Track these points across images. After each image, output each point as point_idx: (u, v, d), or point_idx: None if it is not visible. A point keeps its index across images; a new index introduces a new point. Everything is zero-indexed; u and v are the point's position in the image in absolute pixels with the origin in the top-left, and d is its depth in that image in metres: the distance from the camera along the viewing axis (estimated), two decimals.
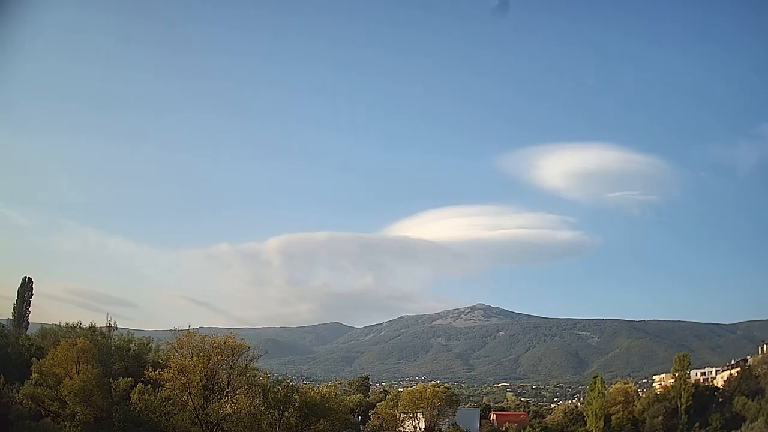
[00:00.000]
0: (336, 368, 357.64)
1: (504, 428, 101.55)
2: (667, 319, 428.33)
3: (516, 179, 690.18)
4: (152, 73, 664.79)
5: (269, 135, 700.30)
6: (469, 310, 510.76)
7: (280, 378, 79.23)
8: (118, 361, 52.08)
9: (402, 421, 73.30)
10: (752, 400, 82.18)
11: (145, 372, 44.94)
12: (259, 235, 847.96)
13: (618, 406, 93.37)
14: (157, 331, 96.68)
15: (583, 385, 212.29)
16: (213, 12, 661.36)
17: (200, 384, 43.29)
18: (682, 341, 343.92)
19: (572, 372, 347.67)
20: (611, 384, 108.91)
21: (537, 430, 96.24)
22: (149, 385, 43.41)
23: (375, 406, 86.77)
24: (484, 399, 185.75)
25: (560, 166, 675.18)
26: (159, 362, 50.78)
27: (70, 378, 42.65)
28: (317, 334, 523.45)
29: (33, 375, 44.56)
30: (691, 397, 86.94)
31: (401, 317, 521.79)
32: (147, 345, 59.33)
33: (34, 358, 46.31)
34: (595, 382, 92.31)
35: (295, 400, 50.00)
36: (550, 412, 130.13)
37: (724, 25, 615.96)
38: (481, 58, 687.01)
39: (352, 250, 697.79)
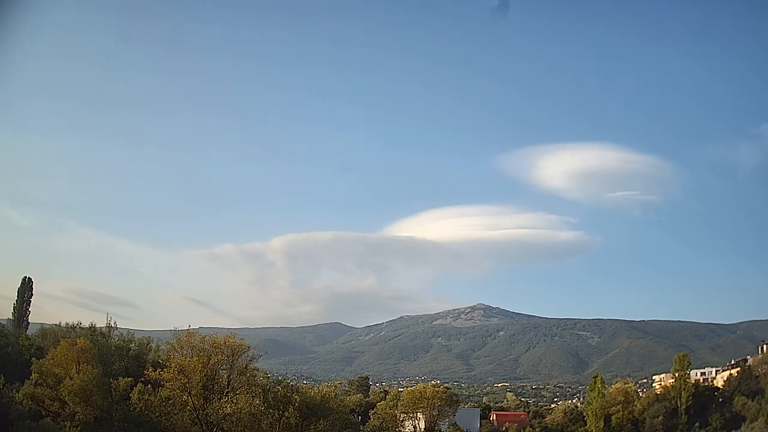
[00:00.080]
0: (336, 368, 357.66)
1: (504, 428, 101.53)
2: (667, 319, 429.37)
3: (516, 179, 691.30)
4: (152, 73, 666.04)
5: (270, 135, 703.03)
6: (469, 310, 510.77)
7: (280, 378, 79.23)
8: (118, 361, 52.07)
9: (402, 421, 73.28)
10: (752, 400, 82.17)
11: (145, 372, 44.93)
12: (262, 235, 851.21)
13: (618, 406, 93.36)
14: (157, 331, 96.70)
15: (583, 385, 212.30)
16: (213, 12, 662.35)
17: (200, 384, 43.28)
18: (682, 341, 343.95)
19: (572, 372, 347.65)
20: (611, 384, 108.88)
21: (537, 430, 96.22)
22: (149, 385, 43.39)
23: (375, 406, 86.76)
24: (484, 399, 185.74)
25: (560, 166, 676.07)
26: (159, 362, 50.77)
27: (70, 378, 42.64)
28: (317, 334, 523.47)
29: (33, 375, 44.55)
30: (691, 397, 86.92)
31: (401, 317, 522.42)
32: (147, 345, 59.33)
33: (34, 358, 46.30)
34: (595, 382, 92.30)
35: (295, 400, 49.99)
36: (550, 412, 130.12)
37: (725, 25, 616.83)
38: (481, 58, 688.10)
39: (356, 251, 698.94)
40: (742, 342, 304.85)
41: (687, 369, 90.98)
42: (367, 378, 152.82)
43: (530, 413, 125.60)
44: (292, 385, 58.46)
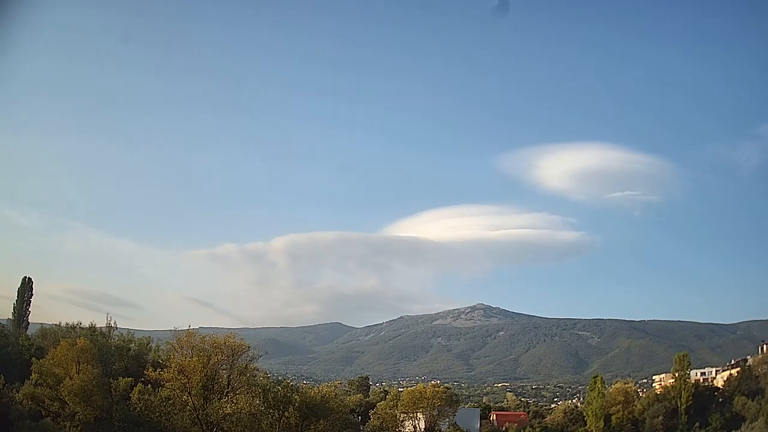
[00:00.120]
0: (336, 368, 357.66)
1: (504, 428, 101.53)
2: (667, 319, 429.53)
3: (516, 179, 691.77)
4: (153, 73, 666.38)
5: (270, 134, 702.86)
6: (469, 310, 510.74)
7: (280, 378, 79.23)
8: (118, 361, 52.07)
9: (402, 421, 73.27)
10: (752, 400, 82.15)
11: (145, 372, 44.93)
12: (264, 235, 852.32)
13: (618, 406, 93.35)
14: (157, 331, 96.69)
15: (583, 385, 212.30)
16: (213, 12, 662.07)
17: (200, 384, 43.28)
18: (682, 341, 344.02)
19: (572, 372, 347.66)
20: (611, 384, 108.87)
21: (537, 430, 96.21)
22: (149, 385, 43.39)
23: (375, 406, 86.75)
24: (484, 399, 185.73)
25: (561, 166, 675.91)
26: (159, 362, 50.77)
27: (70, 378, 42.63)
28: (317, 334, 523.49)
29: (33, 375, 44.54)
30: (691, 397, 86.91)
31: (401, 317, 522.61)
32: (147, 345, 59.33)
33: (34, 358, 46.29)
34: (595, 382, 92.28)
35: (295, 400, 49.99)
36: (550, 412, 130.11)
37: (725, 25, 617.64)
38: (481, 58, 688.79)
39: (358, 251, 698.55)
40: (742, 342, 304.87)
41: (687, 369, 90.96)
42: (367, 378, 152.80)
43: (530, 413, 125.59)
44: (292, 385, 58.45)
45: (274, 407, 48.84)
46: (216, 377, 45.19)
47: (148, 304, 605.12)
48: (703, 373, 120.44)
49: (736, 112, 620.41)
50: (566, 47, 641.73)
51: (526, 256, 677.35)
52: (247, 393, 46.19)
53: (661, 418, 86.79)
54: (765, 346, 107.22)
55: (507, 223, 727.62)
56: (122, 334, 59.87)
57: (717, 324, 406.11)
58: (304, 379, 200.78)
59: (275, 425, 48.41)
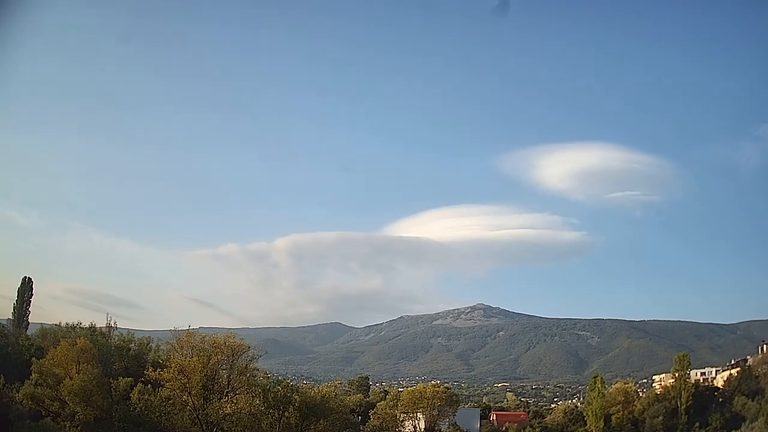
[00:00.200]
0: (336, 368, 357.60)
1: (504, 428, 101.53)
2: (667, 319, 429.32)
3: (517, 179, 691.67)
4: (153, 73, 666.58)
5: (271, 134, 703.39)
6: (469, 310, 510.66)
7: (280, 378, 79.24)
8: (118, 361, 52.09)
9: (402, 421, 73.28)
10: (752, 400, 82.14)
11: (145, 372, 44.94)
12: (266, 235, 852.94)
13: (618, 406, 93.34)
14: (158, 331, 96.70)
15: (583, 385, 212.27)
16: (214, 12, 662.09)
17: (200, 384, 43.28)
18: (682, 341, 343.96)
19: (572, 372, 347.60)
20: (611, 384, 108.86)
21: (537, 430, 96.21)
22: (149, 385, 43.40)
23: (375, 406, 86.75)
24: (484, 399, 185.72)
25: (561, 166, 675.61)
26: (159, 362, 50.77)
27: (70, 378, 42.64)
28: (317, 334, 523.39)
29: (33, 375, 44.55)
30: (691, 397, 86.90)
31: (401, 317, 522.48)
32: (147, 345, 59.34)
33: (34, 358, 46.29)
34: (595, 382, 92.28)
35: (295, 400, 50.00)
36: (550, 412, 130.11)
37: (725, 25, 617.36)
38: (481, 58, 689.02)
39: (361, 251, 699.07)
40: (742, 342, 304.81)
41: (687, 369, 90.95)
42: (367, 378, 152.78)
43: (530, 413, 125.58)
44: (292, 385, 58.46)
45: (274, 407, 48.85)
46: (216, 377, 45.19)
47: (148, 304, 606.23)
48: (703, 373, 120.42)
49: (737, 113, 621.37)
50: (566, 47, 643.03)
51: (527, 256, 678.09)
52: (247, 393, 46.19)
53: (661, 418, 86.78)
54: (765, 346, 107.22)
55: (507, 223, 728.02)
56: (122, 334, 59.91)
57: (717, 324, 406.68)
58: (304, 379, 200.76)
59: (275, 425, 48.41)
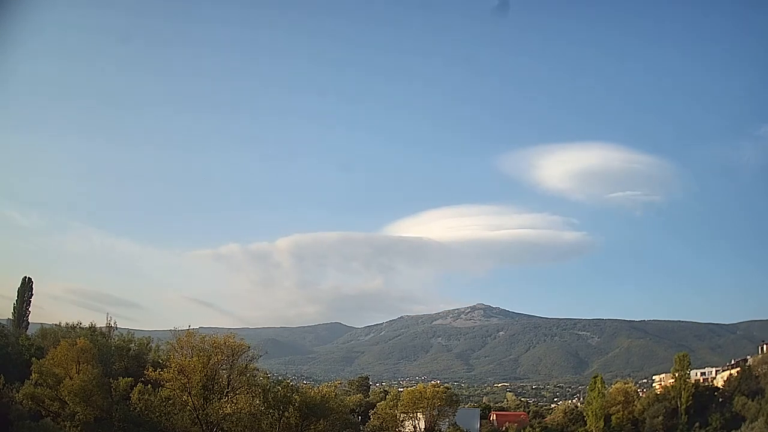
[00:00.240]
0: (336, 368, 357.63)
1: (504, 428, 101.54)
2: (667, 319, 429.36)
3: (516, 179, 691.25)
4: (153, 73, 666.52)
5: (270, 134, 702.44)
6: (469, 310, 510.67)
7: (280, 378, 79.24)
8: (118, 361, 52.08)
9: (402, 421, 73.28)
10: (752, 400, 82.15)
11: (145, 372, 44.94)
12: (268, 235, 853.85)
13: (618, 406, 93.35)
14: (158, 331, 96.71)
15: (583, 385, 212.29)
16: (214, 11, 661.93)
17: (200, 384, 43.28)
18: (682, 341, 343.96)
19: (572, 372, 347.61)
20: (611, 384, 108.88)
21: (537, 430, 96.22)
22: (149, 385, 43.40)
23: (375, 406, 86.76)
24: (484, 399, 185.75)
25: (561, 165, 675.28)
26: (159, 362, 50.77)
27: (70, 378, 42.64)
28: (317, 334, 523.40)
29: (33, 375, 44.55)
30: (691, 397, 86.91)
31: (401, 317, 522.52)
32: (147, 345, 59.35)
33: (34, 358, 46.30)
34: (595, 382, 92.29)
35: (295, 400, 50.00)
36: (550, 412, 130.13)
37: (725, 25, 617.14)
38: (481, 58, 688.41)
39: (362, 251, 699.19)
40: (742, 342, 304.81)
41: (687, 369, 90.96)
42: (367, 378, 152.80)
43: (530, 413, 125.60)
44: (292, 385, 58.47)
45: (274, 407, 48.85)
46: (216, 377, 45.19)
47: (148, 304, 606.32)
48: (703, 373, 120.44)
49: (738, 113, 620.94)
50: (566, 47, 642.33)
51: (527, 256, 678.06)
52: (247, 393, 46.19)
53: (661, 418, 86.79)
54: (765, 346, 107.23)
55: (507, 223, 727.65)
56: (122, 334, 59.92)
57: (717, 324, 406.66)
58: (304, 379, 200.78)
59: (275, 425, 48.41)
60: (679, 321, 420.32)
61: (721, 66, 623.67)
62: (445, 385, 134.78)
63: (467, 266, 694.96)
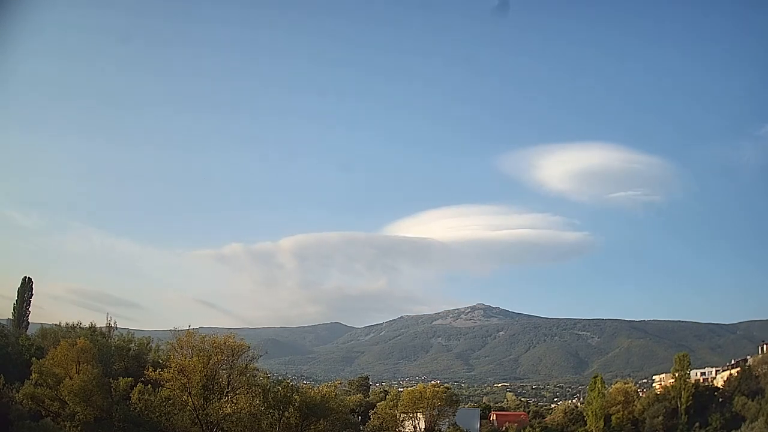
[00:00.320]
0: (336, 368, 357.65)
1: (504, 428, 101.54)
2: (667, 319, 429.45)
3: (517, 179, 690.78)
4: (153, 73, 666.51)
5: (270, 134, 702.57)
6: (469, 310, 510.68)
7: (280, 378, 79.23)
8: (118, 361, 52.08)
9: (402, 421, 73.28)
10: (752, 400, 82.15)
11: (145, 372, 44.94)
12: (271, 235, 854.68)
13: (618, 406, 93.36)
14: (158, 331, 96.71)
15: (583, 385, 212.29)
16: (213, 11, 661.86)
17: (200, 384, 43.28)
18: (682, 341, 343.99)
19: (572, 372, 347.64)
20: (611, 384, 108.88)
21: (537, 430, 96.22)
22: (149, 385, 43.40)
23: (375, 406, 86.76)
24: (484, 399, 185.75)
25: (562, 166, 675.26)
26: (159, 362, 50.77)
27: (70, 378, 42.64)
28: (317, 334, 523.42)
29: (33, 375, 44.54)
30: (691, 397, 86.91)
31: (401, 317, 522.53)
32: (147, 345, 59.34)
33: (34, 358, 46.29)
34: (595, 382, 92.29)
35: (295, 400, 50.00)
36: (550, 412, 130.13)
37: (725, 25, 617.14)
38: (481, 58, 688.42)
39: (365, 252, 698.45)
40: (742, 342, 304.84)
41: (687, 369, 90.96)
42: (367, 378, 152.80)
43: (530, 413, 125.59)
44: (292, 385, 58.46)
45: (274, 407, 48.85)
46: (216, 377, 45.19)
47: (148, 304, 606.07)
48: (703, 373, 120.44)
49: (738, 113, 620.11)
50: (566, 47, 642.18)
51: (527, 256, 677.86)
52: (247, 393, 46.19)
53: (661, 418, 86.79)
54: (765, 346, 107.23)
55: (508, 224, 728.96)
56: (122, 334, 59.91)
57: (717, 324, 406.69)
58: (304, 379, 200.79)
59: (275, 425, 48.42)
60: (679, 321, 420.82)
61: (721, 66, 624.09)
62: (445, 385, 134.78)
63: (468, 266, 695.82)
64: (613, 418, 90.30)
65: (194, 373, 43.04)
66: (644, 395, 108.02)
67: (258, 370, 54.58)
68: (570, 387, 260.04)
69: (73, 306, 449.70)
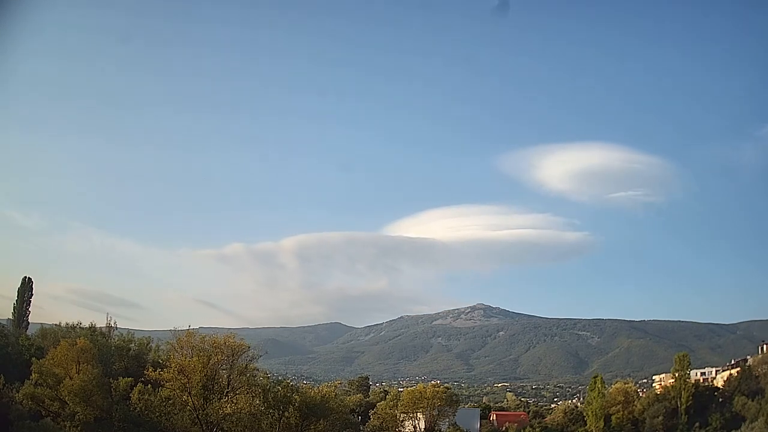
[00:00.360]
0: (336, 368, 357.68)
1: (504, 428, 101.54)
2: (667, 319, 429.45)
3: (517, 179, 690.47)
4: (153, 73, 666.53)
5: (270, 134, 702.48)
6: (469, 310, 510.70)
7: (280, 378, 79.24)
8: (118, 361, 52.08)
9: (402, 421, 73.29)
10: (752, 400, 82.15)
11: (145, 372, 44.94)
12: (272, 235, 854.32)
13: (618, 406, 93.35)
14: (158, 331, 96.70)
15: (583, 385, 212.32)
16: (213, 11, 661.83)
17: (200, 384, 43.28)
18: (682, 341, 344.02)
19: (572, 372, 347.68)
20: (611, 384, 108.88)
21: (537, 430, 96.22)
22: (149, 385, 43.40)
23: (375, 406, 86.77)
24: (484, 399, 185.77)
25: (562, 166, 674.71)
26: (159, 362, 50.77)
27: (70, 378, 42.64)
28: (317, 334, 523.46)
29: (33, 375, 44.54)
30: (691, 397, 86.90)
31: (401, 317, 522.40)
32: (147, 345, 59.34)
33: (34, 358, 46.29)
34: (595, 382, 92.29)
35: (295, 400, 50.00)
36: (550, 412, 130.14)
37: (728, 25, 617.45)
38: (481, 58, 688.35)
39: (366, 252, 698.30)
40: (742, 342, 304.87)
41: (687, 369, 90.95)
42: (367, 378, 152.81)
43: (530, 413, 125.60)
44: (292, 385, 58.46)
45: (274, 407, 48.85)
46: (216, 377, 45.19)
47: (148, 304, 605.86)
48: (703, 373, 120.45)
49: (738, 113, 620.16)
50: (566, 47, 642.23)
51: (527, 256, 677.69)
52: (247, 393, 46.19)
53: (661, 418, 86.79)
54: (765, 346, 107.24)
55: (508, 224, 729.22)
56: (122, 334, 59.92)
57: (717, 324, 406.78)
58: (304, 379, 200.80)
59: (275, 425, 48.42)
60: (679, 321, 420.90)
61: (721, 66, 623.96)
62: (445, 385, 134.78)
63: (468, 266, 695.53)
64: (613, 418, 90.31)
65: (194, 373, 43.03)
66: (644, 395, 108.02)
67: (258, 370, 54.58)
68: (570, 387, 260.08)
69: (73, 306, 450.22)
